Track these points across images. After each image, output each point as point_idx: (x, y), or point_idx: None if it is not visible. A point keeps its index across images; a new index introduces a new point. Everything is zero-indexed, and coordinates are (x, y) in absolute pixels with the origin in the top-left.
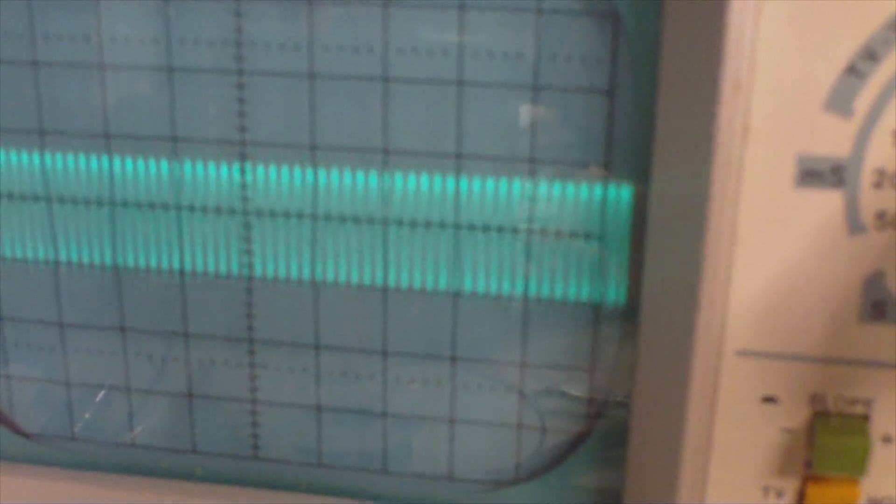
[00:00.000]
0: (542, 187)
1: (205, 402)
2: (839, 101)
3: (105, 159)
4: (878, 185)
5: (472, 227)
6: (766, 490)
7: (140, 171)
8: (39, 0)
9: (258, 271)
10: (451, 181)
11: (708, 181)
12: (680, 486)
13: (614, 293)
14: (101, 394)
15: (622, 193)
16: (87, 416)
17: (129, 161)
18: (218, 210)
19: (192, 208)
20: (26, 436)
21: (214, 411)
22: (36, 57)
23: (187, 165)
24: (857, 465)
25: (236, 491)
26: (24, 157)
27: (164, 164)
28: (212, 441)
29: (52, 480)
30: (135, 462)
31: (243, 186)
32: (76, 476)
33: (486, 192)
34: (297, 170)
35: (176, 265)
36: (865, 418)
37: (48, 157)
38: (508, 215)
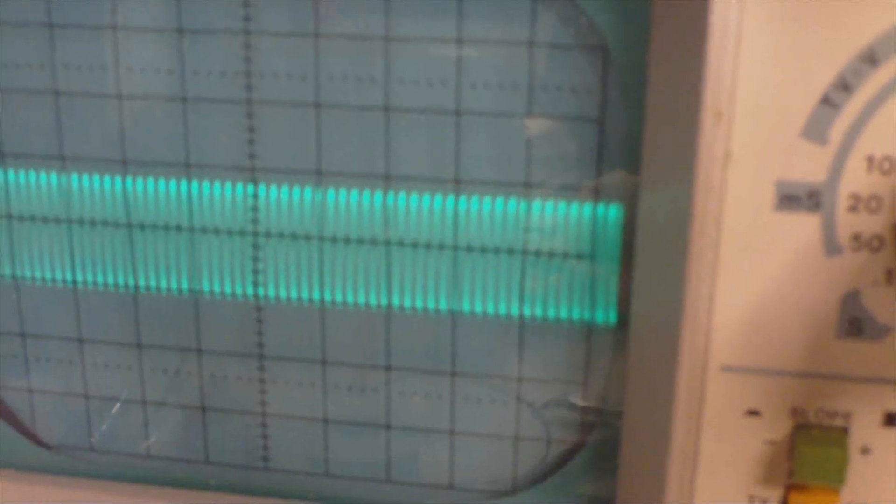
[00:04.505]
0: (537, 210)
1: (217, 415)
2: (815, 130)
3: (122, 184)
4: (853, 209)
5: (470, 249)
6: (751, 499)
7: (155, 195)
8: (60, 32)
9: (267, 290)
10: (450, 205)
11: (691, 205)
12: (668, 495)
13: (606, 310)
14: (118, 406)
15: (612, 216)
16: (104, 428)
17: (144, 185)
18: (229, 232)
19: (204, 230)
20: (46, 447)
21: (226, 424)
22: (57, 86)
23: (199, 189)
24: (836, 475)
25: (247, 500)
26: (44, 181)
27: (178, 188)
28: (224, 452)
29: (70, 490)
30: (150, 472)
31: (254, 209)
32: (93, 485)
33: (484, 215)
34: (304, 194)
35: (189, 284)
36: (845, 430)
37: (66, 180)
38: (505, 237)
